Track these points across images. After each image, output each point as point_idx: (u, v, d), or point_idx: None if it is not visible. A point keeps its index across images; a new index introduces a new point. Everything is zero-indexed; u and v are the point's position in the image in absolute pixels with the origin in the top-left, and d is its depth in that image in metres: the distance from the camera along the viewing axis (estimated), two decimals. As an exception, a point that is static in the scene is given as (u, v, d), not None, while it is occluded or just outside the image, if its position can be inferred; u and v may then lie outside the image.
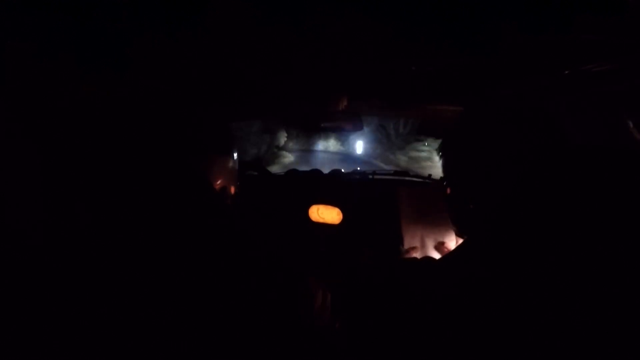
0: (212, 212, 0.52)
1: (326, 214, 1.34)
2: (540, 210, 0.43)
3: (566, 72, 0.79)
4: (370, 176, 1.45)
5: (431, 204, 1.30)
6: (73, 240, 0.45)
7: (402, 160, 11.01)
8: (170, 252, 0.43)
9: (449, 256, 0.56)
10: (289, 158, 13.08)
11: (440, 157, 0.65)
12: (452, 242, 1.19)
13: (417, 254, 1.24)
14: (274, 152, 12.07)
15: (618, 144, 0.78)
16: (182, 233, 0.45)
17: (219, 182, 0.57)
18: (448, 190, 0.62)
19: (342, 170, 1.52)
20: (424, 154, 10.55)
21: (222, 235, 0.49)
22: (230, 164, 0.61)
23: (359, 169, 1.52)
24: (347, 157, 14.57)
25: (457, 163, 0.58)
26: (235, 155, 0.63)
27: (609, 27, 0.55)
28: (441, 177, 1.30)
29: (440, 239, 1.25)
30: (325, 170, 1.51)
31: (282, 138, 12.91)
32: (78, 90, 0.79)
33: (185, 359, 0.39)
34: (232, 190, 0.61)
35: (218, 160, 0.58)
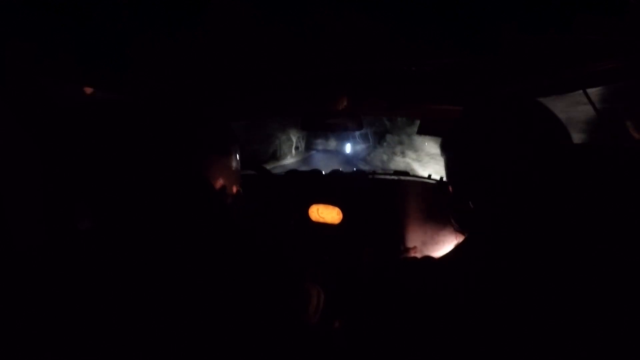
0: (211, 212, 0.52)
1: (326, 214, 1.34)
2: (540, 209, 0.43)
3: (566, 72, 0.79)
4: (370, 176, 1.45)
5: (432, 203, 1.30)
6: (73, 240, 0.45)
7: (400, 160, 11.01)
8: (169, 252, 0.43)
9: (448, 255, 0.56)
10: (288, 158, 13.09)
11: (442, 155, 0.65)
12: (453, 241, 1.20)
13: (417, 253, 1.25)
14: (274, 152, 12.07)
15: (617, 143, 0.78)
16: (182, 233, 0.45)
17: (219, 182, 0.57)
18: (450, 189, 0.61)
19: (342, 170, 1.52)
20: (423, 154, 10.55)
21: (220, 235, 0.49)
22: (233, 163, 0.61)
23: (358, 169, 1.52)
24: (347, 157, 14.57)
25: (458, 161, 0.58)
26: (237, 155, 0.63)
27: (609, 27, 0.55)
28: (441, 177, 1.31)
29: (442, 238, 1.26)
30: (326, 171, 1.51)
31: (282, 138, 12.90)
32: (78, 90, 0.79)
33: (185, 359, 0.39)
34: (235, 190, 0.61)
35: (219, 160, 0.57)
